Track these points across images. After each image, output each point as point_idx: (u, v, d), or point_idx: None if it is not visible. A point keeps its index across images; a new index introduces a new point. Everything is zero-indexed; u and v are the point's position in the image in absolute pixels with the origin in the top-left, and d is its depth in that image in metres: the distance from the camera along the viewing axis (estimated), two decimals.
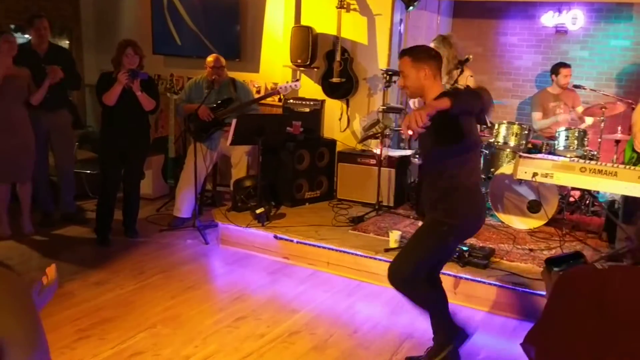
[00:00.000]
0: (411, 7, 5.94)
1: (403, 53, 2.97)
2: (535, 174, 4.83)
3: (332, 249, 4.61)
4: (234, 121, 4.93)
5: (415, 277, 3.05)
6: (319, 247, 4.67)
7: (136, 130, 4.94)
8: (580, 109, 5.90)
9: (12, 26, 6.27)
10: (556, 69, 5.95)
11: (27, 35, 5.36)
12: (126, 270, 4.49)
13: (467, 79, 4.97)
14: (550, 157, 4.95)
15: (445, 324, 3.16)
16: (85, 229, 5.31)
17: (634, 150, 4.63)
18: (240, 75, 5.84)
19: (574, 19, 6.64)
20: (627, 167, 4.17)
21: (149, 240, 5.14)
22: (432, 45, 4.92)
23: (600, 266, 1.06)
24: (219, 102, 5.35)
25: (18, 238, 4.99)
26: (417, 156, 4.99)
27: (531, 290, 3.92)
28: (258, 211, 4.99)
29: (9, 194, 5.00)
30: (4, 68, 4.62)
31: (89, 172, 6.15)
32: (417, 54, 2.93)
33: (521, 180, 4.99)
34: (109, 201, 5.01)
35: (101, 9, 7.38)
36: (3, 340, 0.99)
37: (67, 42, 7.20)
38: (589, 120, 5.63)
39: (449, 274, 4.14)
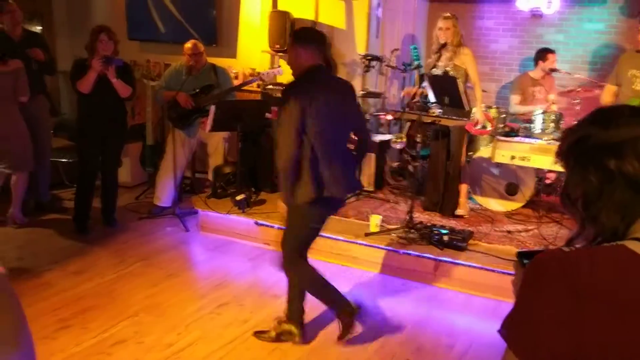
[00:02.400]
0: None
1: (290, 35, 3.11)
2: (512, 157, 4.92)
3: None
4: (212, 108, 4.89)
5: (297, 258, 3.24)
6: None
7: (113, 118, 4.87)
8: (552, 96, 5.96)
9: None
10: (543, 54, 5.94)
11: None
12: (106, 258, 4.46)
13: (466, 56, 4.93)
14: (527, 140, 5.02)
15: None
16: (64, 217, 5.25)
17: None
18: (217, 61, 5.79)
19: (549, 2, 6.67)
20: None
21: (128, 228, 5.11)
22: (445, 23, 4.86)
23: (568, 249, 1.08)
24: (199, 88, 5.30)
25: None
26: (397, 140, 4.99)
27: (510, 272, 3.98)
28: (238, 197, 4.98)
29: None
30: None
31: (65, 160, 6.06)
32: (300, 36, 3.14)
33: (499, 163, 5.06)
34: (87, 189, 4.95)
35: None
36: None
37: (39, 27, 7.04)
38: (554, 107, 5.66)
39: (428, 256, 4.20)
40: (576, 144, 1.11)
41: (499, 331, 1.09)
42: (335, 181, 3.08)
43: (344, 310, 3.27)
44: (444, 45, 4.90)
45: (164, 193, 5.41)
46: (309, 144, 3.01)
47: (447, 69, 4.89)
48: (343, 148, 3.26)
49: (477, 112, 4.94)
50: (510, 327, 1.08)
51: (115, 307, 3.68)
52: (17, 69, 4.70)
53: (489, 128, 5.12)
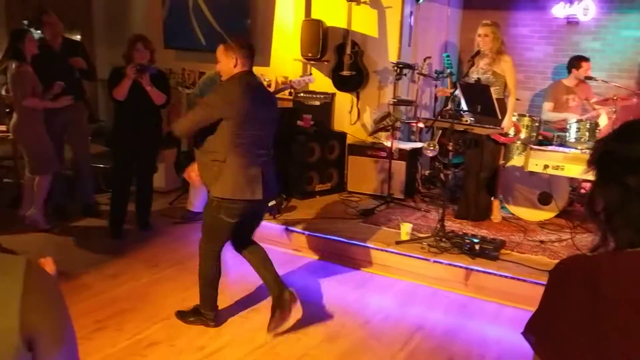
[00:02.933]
0: (421, 0, 5.95)
1: (221, 42, 3.41)
2: (546, 166, 4.86)
3: (343, 241, 4.64)
4: None
5: (210, 252, 3.51)
6: (329, 239, 4.70)
7: (148, 124, 4.98)
8: (593, 101, 5.88)
9: (26, 22, 6.33)
10: (577, 62, 5.87)
11: (39, 31, 5.41)
12: (141, 262, 4.56)
13: (507, 64, 4.91)
14: (561, 148, 4.96)
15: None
16: (100, 221, 5.38)
17: None
18: None
19: (585, 9, 6.60)
20: None
21: (162, 233, 5.21)
22: (483, 30, 4.84)
23: (591, 254, 1.09)
24: None
25: (33, 231, 5.06)
26: (429, 148, 4.99)
27: (542, 282, 3.93)
28: (269, 204, 5.02)
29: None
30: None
31: (102, 166, 6.21)
32: (229, 43, 3.35)
33: (532, 172, 5.01)
34: (123, 195, 5.07)
35: (112, 3, 7.42)
36: (34, 335, 1.02)
37: (79, 37, 7.25)
38: (603, 121, 5.56)
39: (460, 265, 4.18)
40: (600, 158, 1.12)
41: (523, 333, 1.10)
42: (249, 184, 3.28)
43: (205, 314, 3.57)
44: (477, 53, 4.87)
45: (197, 199, 5.49)
46: (230, 144, 3.23)
47: (486, 75, 4.85)
48: (263, 153, 3.41)
49: (506, 120, 4.91)
50: (535, 333, 1.09)
51: (149, 310, 3.76)
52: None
53: (512, 135, 5.08)
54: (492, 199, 5.17)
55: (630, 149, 1.08)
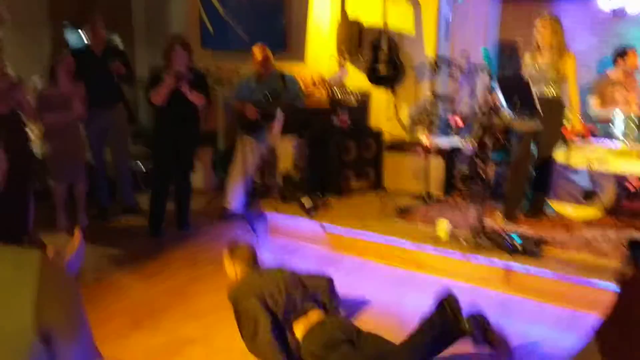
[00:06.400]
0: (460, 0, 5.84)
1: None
2: (590, 161, 4.68)
3: (380, 239, 4.59)
4: (280, 114, 4.96)
5: None
6: (366, 236, 4.66)
7: (186, 125, 5.02)
8: (633, 97, 5.65)
9: (65, 22, 6.47)
10: (623, 52, 5.66)
11: (80, 31, 5.51)
12: (179, 261, 4.60)
13: (571, 60, 4.72)
14: (606, 143, 4.79)
15: None
16: (139, 221, 5.46)
17: None
18: (286, 66, 5.87)
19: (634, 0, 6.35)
20: None
21: (200, 232, 5.25)
22: (541, 23, 4.71)
23: None
24: (266, 95, 5.39)
25: (74, 231, 5.15)
26: (468, 144, 4.87)
27: (586, 280, 3.81)
28: (306, 202, 5.02)
29: (65, 193, 5.19)
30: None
31: (142, 166, 6.31)
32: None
33: (576, 168, 4.85)
34: (162, 194, 5.13)
35: (152, 3, 7.53)
36: (50, 330, 1.02)
37: (118, 36, 7.36)
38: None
39: (500, 263, 4.08)
40: None
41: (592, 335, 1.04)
42: None
43: None
44: (517, 48, 4.74)
45: (235, 197, 5.53)
46: None
47: (548, 73, 4.68)
48: None
49: (575, 122, 4.74)
50: (604, 340, 1.03)
51: (186, 309, 3.79)
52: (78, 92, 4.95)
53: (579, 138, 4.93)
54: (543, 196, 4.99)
55: None
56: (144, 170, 6.30)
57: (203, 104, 4.98)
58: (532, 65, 4.77)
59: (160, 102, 4.79)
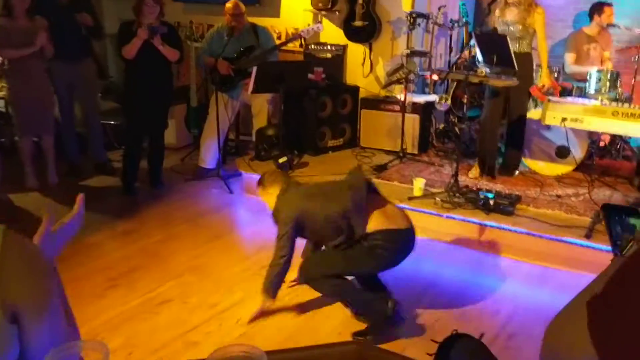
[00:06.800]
0: None
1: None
2: (564, 119, 4.70)
3: None
4: (254, 69, 4.85)
5: None
6: None
7: (159, 81, 4.89)
8: (607, 54, 5.65)
9: None
10: (599, 7, 5.61)
11: None
12: (153, 220, 4.55)
13: (539, 15, 4.68)
14: (580, 100, 4.80)
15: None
16: (111, 179, 5.37)
17: None
18: (260, 21, 5.72)
19: None
20: None
21: (174, 190, 5.19)
22: None
23: None
24: (240, 50, 5.26)
25: (44, 189, 5.06)
26: (442, 102, 4.85)
27: (557, 237, 3.87)
28: (281, 160, 4.98)
29: (32, 147, 5.05)
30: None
31: (112, 122, 6.17)
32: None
33: (549, 125, 4.87)
34: (135, 151, 5.03)
35: None
36: (17, 306, 0.98)
37: None
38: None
39: (473, 221, 4.12)
40: None
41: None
42: None
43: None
44: (493, 1, 4.68)
45: (209, 155, 5.45)
46: None
47: (515, 27, 4.64)
48: None
49: (544, 77, 4.73)
50: (594, 313, 1.00)
51: (161, 268, 3.77)
52: (40, 26, 4.71)
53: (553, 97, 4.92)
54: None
55: None
56: (115, 125, 6.14)
57: (177, 59, 4.85)
58: (501, 20, 4.73)
59: (132, 56, 4.65)
